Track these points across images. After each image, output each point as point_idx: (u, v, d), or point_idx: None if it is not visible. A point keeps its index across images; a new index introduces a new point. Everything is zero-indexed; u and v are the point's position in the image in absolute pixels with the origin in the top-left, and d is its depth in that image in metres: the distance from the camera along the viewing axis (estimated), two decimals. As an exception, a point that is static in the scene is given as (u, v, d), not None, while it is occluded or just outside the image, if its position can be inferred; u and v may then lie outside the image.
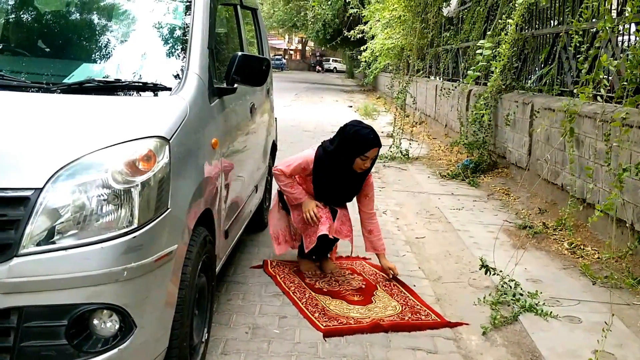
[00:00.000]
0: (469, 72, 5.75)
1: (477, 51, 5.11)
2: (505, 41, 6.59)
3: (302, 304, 3.81)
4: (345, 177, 4.17)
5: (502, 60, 6.63)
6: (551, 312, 3.73)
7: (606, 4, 4.59)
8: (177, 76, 3.00)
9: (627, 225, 4.49)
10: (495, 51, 6.66)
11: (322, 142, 4.29)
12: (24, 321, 2.17)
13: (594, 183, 5.13)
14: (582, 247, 5.00)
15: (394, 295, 4.03)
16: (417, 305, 3.88)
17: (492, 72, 7.30)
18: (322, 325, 3.53)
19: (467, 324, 3.67)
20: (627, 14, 4.90)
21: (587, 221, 5.39)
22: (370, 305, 3.86)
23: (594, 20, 5.39)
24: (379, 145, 4.10)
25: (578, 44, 4.93)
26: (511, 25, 5.93)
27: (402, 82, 11.62)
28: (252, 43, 5.08)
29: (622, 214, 4.66)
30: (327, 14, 26.83)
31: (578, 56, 5.11)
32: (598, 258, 4.77)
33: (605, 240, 5.00)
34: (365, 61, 18.97)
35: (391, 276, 4.29)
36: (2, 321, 2.17)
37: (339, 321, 3.60)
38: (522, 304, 3.81)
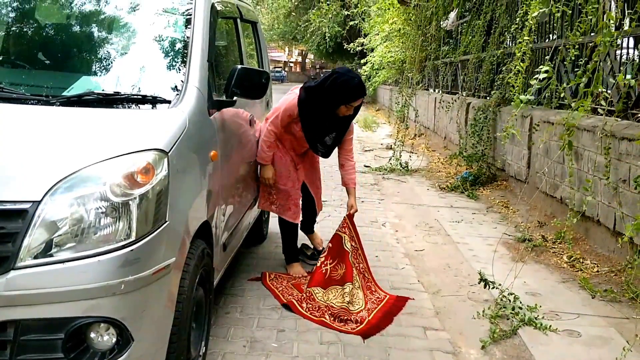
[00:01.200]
0: (521, 96, 5.71)
1: (535, 76, 5.05)
2: (522, 57, 6.56)
3: (308, 313, 3.86)
4: (329, 119, 4.33)
5: (521, 74, 6.59)
6: (550, 326, 3.72)
7: (605, 18, 4.60)
8: (176, 89, 3.01)
9: (626, 239, 4.48)
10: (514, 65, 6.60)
11: (303, 84, 4.45)
12: (21, 334, 2.17)
13: (592, 196, 5.13)
14: (581, 261, 4.99)
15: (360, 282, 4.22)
16: (373, 287, 4.27)
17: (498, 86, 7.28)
18: (351, 328, 3.70)
19: (412, 299, 4.13)
20: (625, 28, 4.93)
21: (587, 234, 5.38)
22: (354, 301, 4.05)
23: (592, 34, 5.42)
24: (365, 94, 4.28)
25: (574, 58, 4.92)
26: (524, 41, 5.93)
27: (405, 96, 11.62)
28: (252, 56, 5.09)
29: (620, 227, 4.65)
30: (334, 26, 26.95)
31: (576, 70, 5.11)
32: (597, 271, 4.76)
33: (604, 254, 4.99)
34: (366, 75, 19.09)
35: (346, 213, 4.46)
36: (-2, 334, 2.17)
37: (353, 318, 3.80)
38: (522, 318, 3.80)
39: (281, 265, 4.76)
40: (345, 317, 3.81)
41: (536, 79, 5.45)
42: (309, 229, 5.02)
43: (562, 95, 6.03)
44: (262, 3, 26.63)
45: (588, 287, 4.39)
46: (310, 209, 4.86)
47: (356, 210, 4.52)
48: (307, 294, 4.08)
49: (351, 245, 4.33)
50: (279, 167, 4.47)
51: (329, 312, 3.88)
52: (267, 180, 4.44)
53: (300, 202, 4.65)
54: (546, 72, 4.70)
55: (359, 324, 3.75)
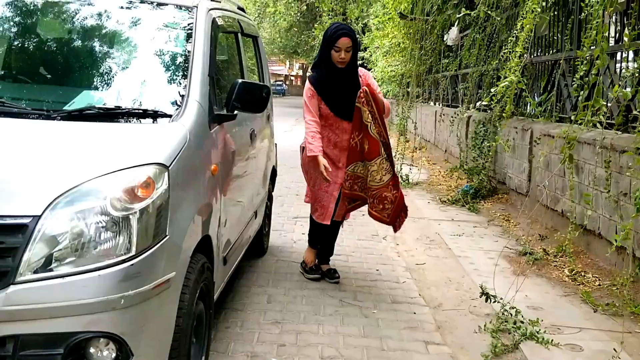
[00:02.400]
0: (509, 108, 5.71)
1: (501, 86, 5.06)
2: (514, 69, 6.58)
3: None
4: (337, 77, 4.48)
5: (512, 87, 6.62)
6: (552, 340, 3.70)
7: (603, 31, 4.61)
8: (177, 103, 3.01)
9: (627, 252, 4.47)
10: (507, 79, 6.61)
11: None
12: (20, 349, 2.16)
13: (593, 209, 5.12)
14: (582, 274, 4.97)
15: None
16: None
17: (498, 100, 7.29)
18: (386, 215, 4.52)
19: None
20: (625, 40, 4.94)
21: (588, 248, 5.37)
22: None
23: (592, 47, 5.44)
24: (348, 35, 4.40)
25: (583, 73, 4.89)
26: (518, 53, 5.97)
27: (405, 109, 11.61)
28: (253, 70, 5.11)
29: (623, 240, 4.64)
30: None
31: (573, 82, 5.12)
32: (599, 285, 4.74)
33: (606, 267, 4.98)
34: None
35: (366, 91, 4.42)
36: (-3, 349, 2.16)
37: (389, 198, 4.43)
38: (523, 332, 3.78)
39: (283, 279, 4.75)
40: (384, 196, 4.42)
41: (497, 86, 5.46)
42: (324, 257, 4.92)
43: (563, 107, 6.05)
44: (264, 17, 26.75)
45: (590, 301, 4.38)
46: (334, 228, 4.83)
47: (377, 92, 4.51)
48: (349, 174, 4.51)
49: (369, 114, 4.37)
50: (315, 169, 4.49)
51: (368, 192, 4.47)
52: (322, 166, 4.34)
53: (332, 206, 4.62)
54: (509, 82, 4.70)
55: (392, 205, 4.43)
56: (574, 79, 4.82)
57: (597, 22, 4.43)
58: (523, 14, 6.25)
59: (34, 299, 2.16)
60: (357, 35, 19.79)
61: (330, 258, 4.97)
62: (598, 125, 4.77)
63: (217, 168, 3.16)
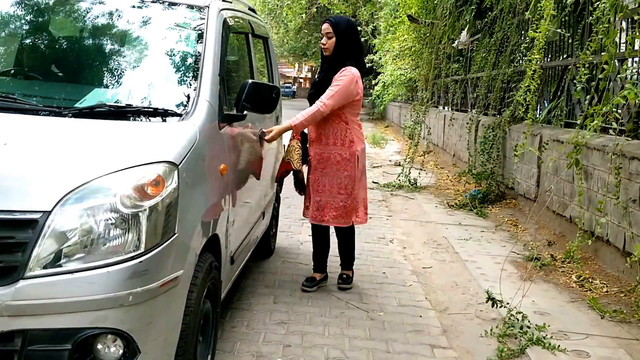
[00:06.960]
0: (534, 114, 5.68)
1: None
2: (532, 76, 6.54)
3: None
4: (323, 63, 4.67)
5: (533, 92, 6.58)
6: (559, 346, 3.69)
7: (612, 37, 4.59)
8: (187, 102, 3.02)
9: (636, 258, 4.44)
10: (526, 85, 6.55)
11: None
12: (28, 344, 2.17)
13: (604, 216, 5.10)
14: (590, 280, 4.95)
15: None
16: None
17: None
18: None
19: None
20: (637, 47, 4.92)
21: (596, 254, 5.34)
22: None
23: (602, 53, 5.42)
24: (327, 21, 4.58)
25: (586, 76, 4.88)
26: (533, 60, 5.94)
27: (419, 113, 11.55)
28: (262, 72, 5.12)
29: (630, 247, 4.62)
30: None
31: (576, 86, 5.08)
32: (607, 291, 4.72)
33: (614, 274, 4.95)
34: (378, 96, 19.30)
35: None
36: (5, 344, 2.17)
37: None
38: (530, 337, 3.76)
39: (290, 280, 4.75)
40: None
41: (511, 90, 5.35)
42: (344, 264, 4.79)
43: (572, 113, 6.03)
44: (274, 16, 26.79)
45: (597, 307, 4.36)
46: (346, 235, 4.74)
47: (267, 137, 4.21)
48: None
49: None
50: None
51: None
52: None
53: (321, 201, 4.54)
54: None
55: None
56: (578, 81, 4.79)
57: (604, 27, 4.41)
58: (535, 20, 6.22)
59: (42, 295, 2.18)
60: (366, 37, 19.83)
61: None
62: (611, 132, 4.74)
63: (226, 168, 3.17)
